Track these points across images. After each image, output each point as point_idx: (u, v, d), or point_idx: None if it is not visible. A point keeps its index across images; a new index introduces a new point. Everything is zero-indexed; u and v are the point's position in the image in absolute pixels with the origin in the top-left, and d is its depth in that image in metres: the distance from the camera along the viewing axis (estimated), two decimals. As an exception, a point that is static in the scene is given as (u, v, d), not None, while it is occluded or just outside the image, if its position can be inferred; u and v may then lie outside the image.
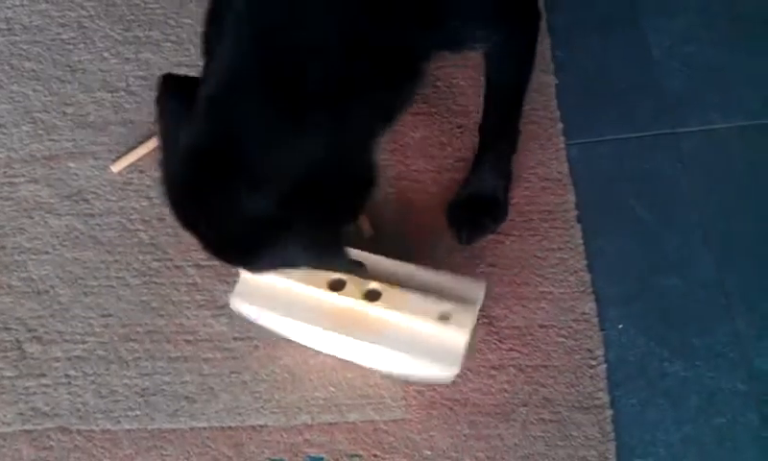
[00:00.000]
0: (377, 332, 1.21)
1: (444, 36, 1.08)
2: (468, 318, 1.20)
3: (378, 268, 1.25)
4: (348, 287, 1.23)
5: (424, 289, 1.22)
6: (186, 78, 1.05)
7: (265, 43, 0.96)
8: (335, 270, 1.13)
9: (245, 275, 1.24)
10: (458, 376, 1.22)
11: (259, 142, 0.97)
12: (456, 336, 1.19)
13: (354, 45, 0.97)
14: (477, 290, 1.24)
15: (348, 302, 1.22)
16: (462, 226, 1.37)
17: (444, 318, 1.20)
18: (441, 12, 1.03)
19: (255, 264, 1.09)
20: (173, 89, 1.05)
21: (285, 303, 1.23)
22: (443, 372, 1.21)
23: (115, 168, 1.45)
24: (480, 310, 1.30)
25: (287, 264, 1.09)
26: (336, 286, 1.24)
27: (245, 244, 1.02)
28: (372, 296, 1.23)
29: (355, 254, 1.25)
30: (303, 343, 1.28)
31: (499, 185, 1.38)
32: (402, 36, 1.01)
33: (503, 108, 1.35)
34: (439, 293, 1.22)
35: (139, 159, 1.45)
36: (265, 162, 0.97)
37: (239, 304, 1.26)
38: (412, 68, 1.06)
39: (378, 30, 0.98)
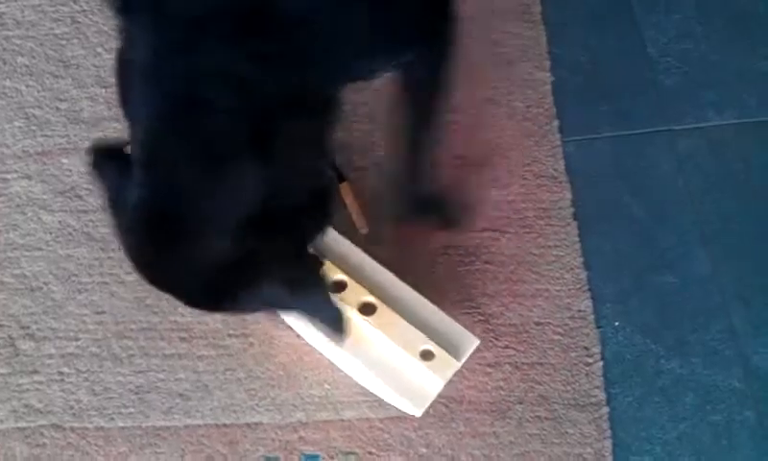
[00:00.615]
0: (361, 347, 1.21)
1: (357, 70, 1.06)
2: (450, 367, 1.19)
3: (380, 282, 1.25)
4: (348, 293, 1.23)
5: (419, 321, 1.22)
6: (116, 144, 1.05)
7: (175, 92, 0.94)
8: (321, 316, 1.09)
9: None
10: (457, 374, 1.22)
11: (196, 192, 0.95)
12: (432, 379, 1.19)
13: (258, 89, 0.95)
14: (468, 344, 1.22)
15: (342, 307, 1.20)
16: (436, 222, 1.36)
17: (426, 356, 1.19)
18: (343, 51, 0.99)
19: (238, 307, 1.06)
20: (105, 157, 1.04)
21: None
22: (406, 407, 1.21)
23: (109, 164, 1.44)
24: (476, 308, 1.31)
25: (270, 301, 1.05)
26: (337, 287, 1.23)
27: (219, 292, 1.00)
28: (367, 309, 1.23)
29: (368, 263, 1.26)
30: (297, 331, 1.28)
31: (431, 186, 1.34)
32: (304, 80, 0.97)
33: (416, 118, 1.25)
34: (431, 331, 1.21)
35: (133, 155, 1.44)
36: (208, 209, 0.96)
37: None
38: (327, 100, 1.03)
39: (275, 79, 0.95)
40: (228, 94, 0.93)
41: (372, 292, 1.24)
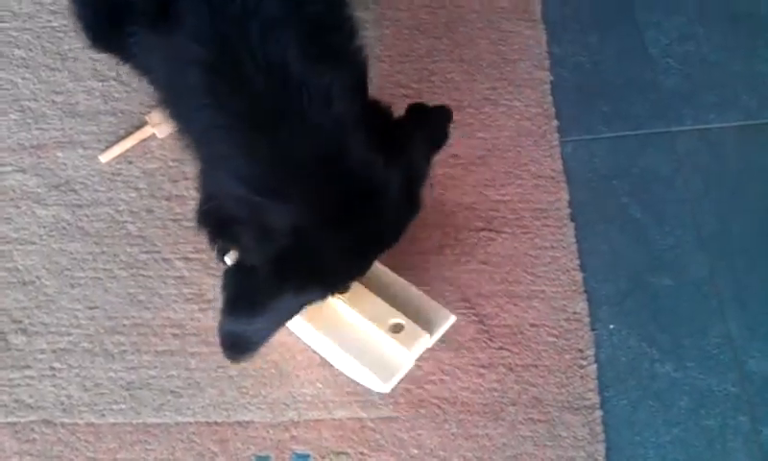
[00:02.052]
0: (332, 325, 1.19)
1: None
2: (420, 339, 1.17)
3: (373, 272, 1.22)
4: None
5: (390, 295, 1.20)
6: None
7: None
8: None
9: None
10: (446, 374, 1.21)
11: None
12: (399, 352, 1.17)
13: None
14: (442, 319, 1.19)
15: None
16: None
17: (395, 330, 1.17)
18: None
19: None
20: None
21: None
22: (374, 383, 1.19)
23: (104, 158, 1.43)
24: (471, 309, 1.30)
25: None
26: None
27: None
28: None
29: None
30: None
31: None
32: None
33: None
34: (403, 305, 1.19)
35: (128, 150, 1.44)
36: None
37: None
38: None
39: None
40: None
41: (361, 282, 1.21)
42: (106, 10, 1.10)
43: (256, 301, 1.02)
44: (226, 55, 0.94)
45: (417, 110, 1.12)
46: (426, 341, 1.18)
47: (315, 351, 1.26)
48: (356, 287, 1.19)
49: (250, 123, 0.96)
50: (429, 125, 1.14)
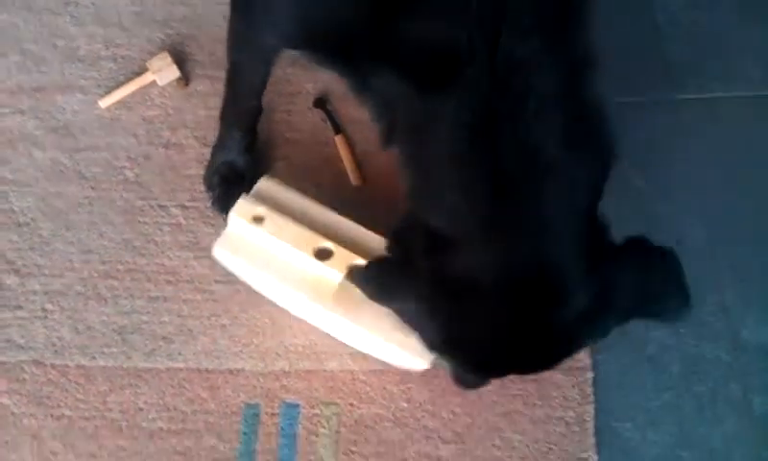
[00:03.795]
0: (356, 311, 1.15)
1: None
2: None
3: (368, 242, 1.19)
4: (335, 259, 1.16)
5: None
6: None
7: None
8: None
9: (231, 226, 1.19)
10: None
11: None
12: None
13: None
14: None
15: (332, 274, 1.15)
16: None
17: None
18: None
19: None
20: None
21: (269, 262, 1.17)
22: (414, 362, 1.18)
23: (103, 104, 1.42)
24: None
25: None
26: (322, 255, 1.17)
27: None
28: None
29: (353, 227, 1.19)
30: (280, 304, 1.25)
31: None
32: None
33: None
34: None
35: (128, 96, 1.43)
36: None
37: (221, 253, 1.21)
38: None
39: None
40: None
41: (361, 256, 1.16)
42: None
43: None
44: (488, 124, 0.92)
45: (636, 246, 1.04)
46: None
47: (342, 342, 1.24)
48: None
49: (482, 185, 0.94)
50: (646, 268, 1.04)
